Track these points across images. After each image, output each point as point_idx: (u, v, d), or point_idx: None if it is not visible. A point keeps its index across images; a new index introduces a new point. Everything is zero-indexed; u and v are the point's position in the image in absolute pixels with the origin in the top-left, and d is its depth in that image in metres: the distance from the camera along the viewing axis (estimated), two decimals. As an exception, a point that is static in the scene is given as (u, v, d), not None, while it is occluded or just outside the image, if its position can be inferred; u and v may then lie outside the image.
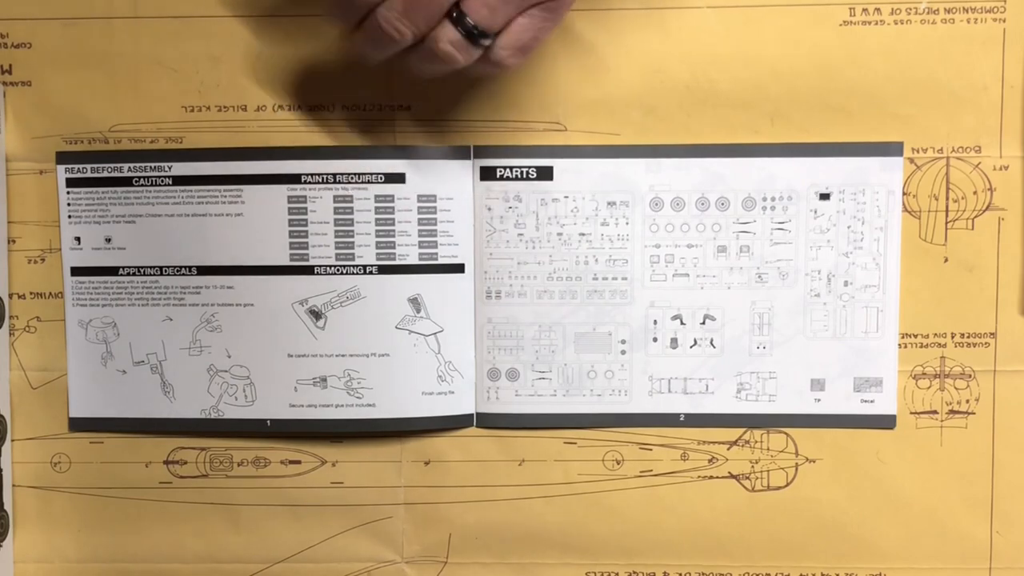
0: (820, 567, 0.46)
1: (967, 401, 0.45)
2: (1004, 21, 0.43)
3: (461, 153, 0.44)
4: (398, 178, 0.44)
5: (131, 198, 0.44)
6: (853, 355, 0.44)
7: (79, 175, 0.45)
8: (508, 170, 0.44)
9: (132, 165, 0.44)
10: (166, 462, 0.46)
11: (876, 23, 0.43)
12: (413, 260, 0.44)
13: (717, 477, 0.45)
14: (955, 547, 0.45)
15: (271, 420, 0.45)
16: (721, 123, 0.44)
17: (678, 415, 0.45)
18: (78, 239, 0.45)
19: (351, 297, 0.44)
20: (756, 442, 0.45)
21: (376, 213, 0.44)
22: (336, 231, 0.44)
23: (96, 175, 0.44)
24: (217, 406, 0.45)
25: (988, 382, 0.45)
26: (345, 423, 0.45)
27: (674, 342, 0.45)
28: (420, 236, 0.44)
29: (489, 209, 0.44)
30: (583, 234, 0.44)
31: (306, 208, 0.44)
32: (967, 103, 0.43)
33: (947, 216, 0.44)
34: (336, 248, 0.44)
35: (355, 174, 0.44)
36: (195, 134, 0.44)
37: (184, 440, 0.46)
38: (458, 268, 0.44)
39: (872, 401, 0.45)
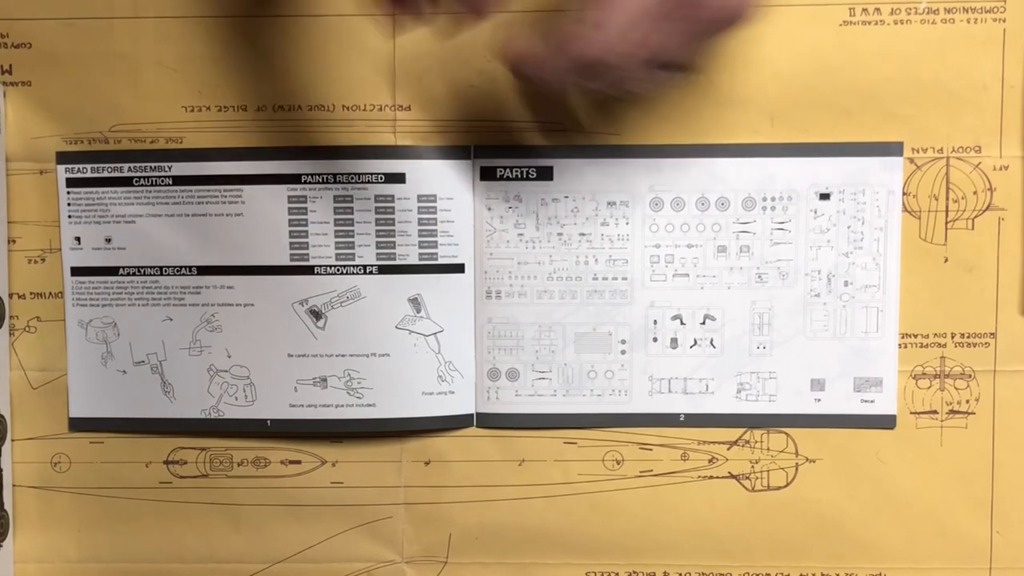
0: (820, 567, 0.46)
1: (967, 401, 0.45)
2: (1004, 21, 0.43)
3: (461, 153, 0.44)
4: (398, 178, 0.44)
5: (131, 198, 0.44)
6: (853, 355, 0.44)
7: (79, 175, 0.45)
8: (508, 170, 0.44)
9: (132, 165, 0.44)
10: (166, 462, 0.46)
11: (876, 23, 0.43)
12: (413, 260, 0.44)
13: (717, 477, 0.45)
14: (955, 547, 0.45)
15: (271, 420, 0.45)
16: (721, 123, 0.44)
17: (678, 415, 0.45)
18: (78, 239, 0.45)
19: (351, 297, 0.44)
20: (756, 442, 0.45)
21: (376, 213, 0.44)
22: (336, 231, 0.44)
23: (96, 175, 0.44)
24: (217, 406, 0.45)
25: (988, 382, 0.45)
26: (345, 423, 0.45)
27: (674, 342, 0.45)
28: (420, 236, 0.44)
29: (489, 209, 0.44)
30: (583, 234, 0.44)
31: (306, 208, 0.44)
32: (967, 103, 0.43)
33: (947, 216, 0.44)
34: (336, 248, 0.44)
35: (355, 174, 0.44)
36: (195, 134, 0.44)
37: (184, 440, 0.46)
38: (458, 268, 0.44)
39: (872, 401, 0.45)
